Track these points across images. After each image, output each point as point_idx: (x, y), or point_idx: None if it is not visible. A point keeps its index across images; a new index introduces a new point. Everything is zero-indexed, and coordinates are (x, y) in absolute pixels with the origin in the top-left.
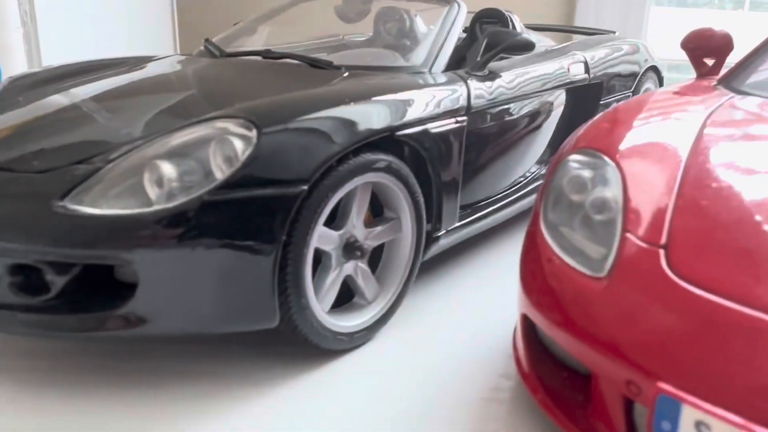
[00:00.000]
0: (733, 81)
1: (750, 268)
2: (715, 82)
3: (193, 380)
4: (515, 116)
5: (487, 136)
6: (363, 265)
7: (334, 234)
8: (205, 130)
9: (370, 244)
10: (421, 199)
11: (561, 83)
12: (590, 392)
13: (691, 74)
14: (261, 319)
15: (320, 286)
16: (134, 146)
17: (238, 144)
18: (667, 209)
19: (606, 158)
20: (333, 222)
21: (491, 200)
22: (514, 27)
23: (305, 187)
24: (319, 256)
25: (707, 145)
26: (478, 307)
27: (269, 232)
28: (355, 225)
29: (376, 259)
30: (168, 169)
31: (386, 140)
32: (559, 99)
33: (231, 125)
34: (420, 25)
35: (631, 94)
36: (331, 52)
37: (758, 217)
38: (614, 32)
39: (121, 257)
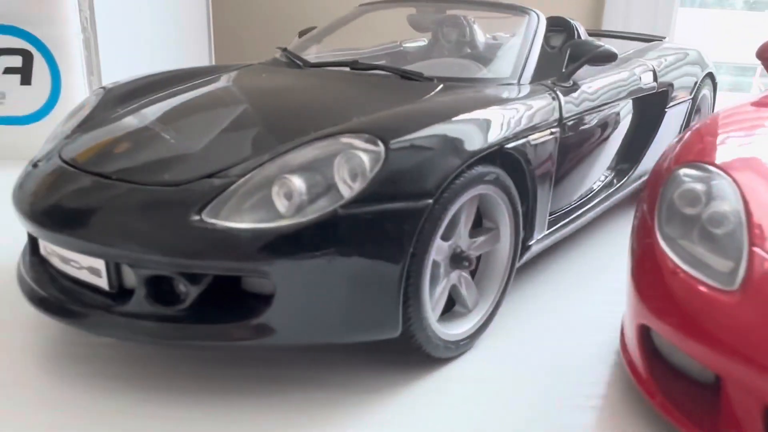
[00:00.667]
0: None
1: None
2: None
3: (306, 387)
4: (594, 125)
5: (572, 146)
6: (466, 274)
7: (445, 245)
8: (332, 145)
9: (473, 254)
10: (521, 210)
11: (633, 91)
12: (716, 400)
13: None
14: (385, 329)
15: (431, 296)
16: (263, 161)
17: (366, 159)
18: None
19: (720, 171)
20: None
21: (572, 207)
22: (579, 35)
23: (431, 201)
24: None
25: None
26: (569, 310)
27: (399, 244)
28: (462, 236)
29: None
30: (298, 183)
31: (495, 153)
32: (628, 107)
33: (356, 140)
34: (479, 34)
35: (691, 101)
36: (404, 61)
37: None
38: (664, 38)
39: (260, 269)
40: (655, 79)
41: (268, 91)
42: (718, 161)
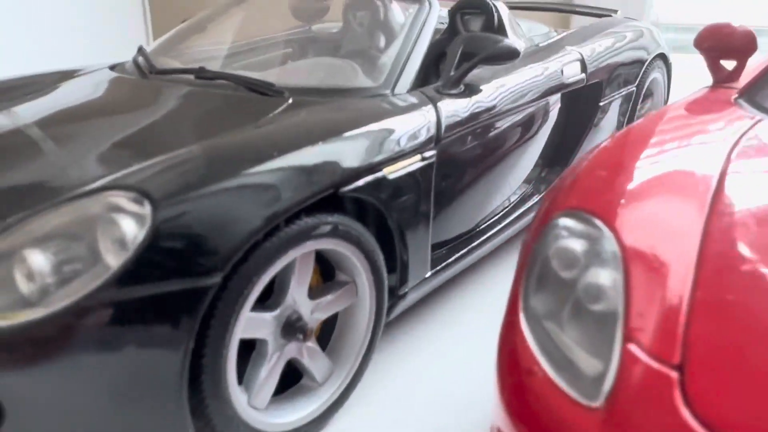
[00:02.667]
0: (757, 95)
1: None
2: (735, 95)
3: None
4: (498, 133)
5: (463, 163)
6: (311, 343)
7: (268, 316)
8: (90, 206)
9: (318, 317)
10: (381, 258)
11: (553, 89)
12: None
13: None
14: None
15: (253, 379)
16: (3, 227)
17: (129, 225)
18: (682, 305)
19: (601, 224)
20: (267, 299)
21: (473, 234)
22: (500, 18)
23: (218, 279)
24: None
25: (732, 199)
26: (449, 375)
27: (174, 336)
28: (296, 300)
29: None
30: (39, 260)
31: (328, 199)
32: (549, 105)
33: (120, 199)
34: (398, 15)
35: (635, 89)
36: (285, 66)
37: None
38: (615, 11)
39: None
40: (584, 69)
41: (72, 113)
42: (606, 208)
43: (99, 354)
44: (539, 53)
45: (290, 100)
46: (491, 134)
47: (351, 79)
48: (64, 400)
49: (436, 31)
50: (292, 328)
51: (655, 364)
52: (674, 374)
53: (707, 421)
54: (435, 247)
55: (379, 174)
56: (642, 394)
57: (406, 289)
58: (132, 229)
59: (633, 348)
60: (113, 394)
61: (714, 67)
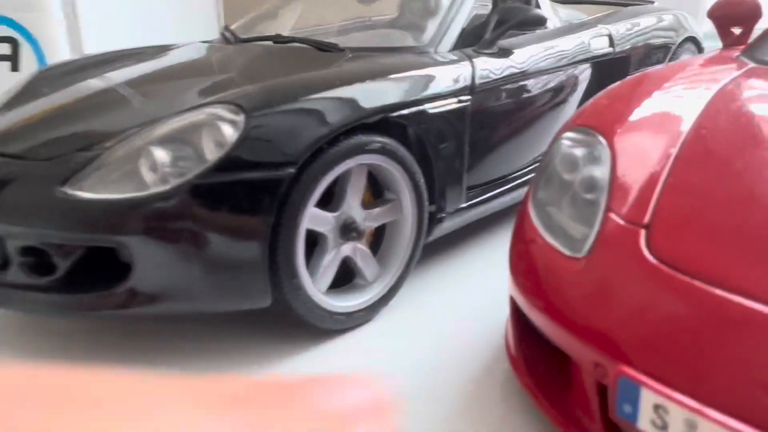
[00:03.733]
0: (756, 51)
1: (735, 249)
2: (738, 53)
3: (187, 357)
4: (531, 94)
5: (497, 116)
6: (362, 246)
7: (329, 216)
8: (196, 116)
9: (369, 225)
10: (421, 180)
11: (581, 58)
12: (572, 377)
13: None
14: (254, 298)
15: (317, 267)
16: (130, 133)
17: (227, 129)
18: (656, 187)
19: (599, 136)
20: (330, 203)
21: (504, 179)
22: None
23: (293, 170)
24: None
25: (711, 119)
26: (483, 287)
27: (257, 214)
28: (352, 206)
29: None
30: (160, 154)
31: (382, 122)
32: (584, 74)
33: (221, 110)
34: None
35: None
36: (347, 34)
37: (754, 196)
38: (652, 2)
39: (114, 240)
40: (612, 44)
41: (179, 69)
42: (605, 124)
43: (200, 224)
44: (569, 29)
45: (350, 55)
46: (522, 93)
47: (401, 40)
48: (174, 261)
49: (480, 16)
50: (347, 229)
51: (627, 225)
52: (642, 230)
53: (664, 259)
54: (471, 187)
55: (420, 107)
56: (615, 245)
57: (443, 214)
58: (229, 131)
59: (612, 215)
60: (211, 254)
61: (724, 33)
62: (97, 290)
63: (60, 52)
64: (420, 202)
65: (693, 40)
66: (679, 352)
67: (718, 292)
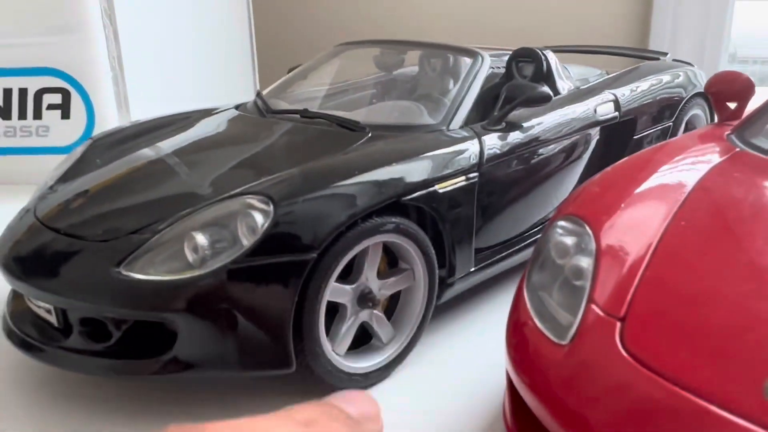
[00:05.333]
0: (746, 131)
1: (693, 348)
2: (728, 131)
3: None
4: (537, 161)
5: (504, 185)
6: (377, 312)
7: (348, 288)
8: (232, 205)
9: (385, 293)
10: (432, 252)
11: (586, 125)
12: None
13: None
14: (280, 364)
15: (336, 333)
16: (175, 219)
17: (259, 217)
18: (634, 280)
19: (586, 226)
20: (349, 275)
21: (511, 242)
22: (548, 65)
23: (315, 255)
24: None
25: (690, 210)
26: (491, 346)
27: (284, 293)
28: (369, 278)
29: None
30: (201, 239)
31: (392, 205)
32: (591, 139)
33: (254, 200)
34: (458, 66)
35: (672, 124)
36: (369, 106)
37: (717, 294)
38: (665, 54)
39: (161, 316)
40: (618, 108)
41: (214, 146)
42: (592, 215)
43: (234, 302)
44: (579, 96)
45: (370, 134)
46: (529, 162)
47: (417, 118)
48: (212, 334)
49: (495, 75)
50: (365, 298)
51: (605, 316)
52: (618, 323)
53: (633, 352)
54: (480, 250)
55: (431, 189)
56: (593, 335)
57: (454, 279)
58: (260, 219)
59: (593, 306)
60: (244, 327)
61: (719, 108)
62: (145, 357)
63: (107, 101)
64: (431, 270)
65: (702, 95)
66: None
67: (674, 388)
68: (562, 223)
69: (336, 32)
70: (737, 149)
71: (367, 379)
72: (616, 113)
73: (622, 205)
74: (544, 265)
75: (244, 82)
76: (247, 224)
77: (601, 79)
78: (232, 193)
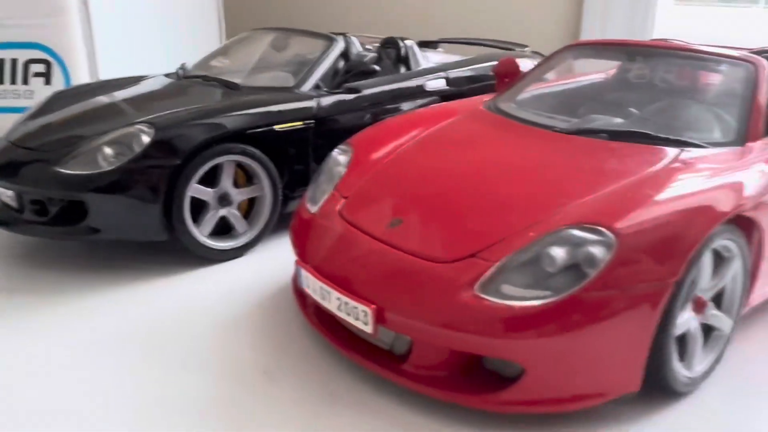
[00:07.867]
0: (499, 99)
1: (371, 210)
2: (489, 99)
3: (111, 270)
4: (367, 118)
5: (335, 133)
6: (234, 211)
7: (210, 190)
8: (130, 129)
9: (239, 198)
10: (274, 172)
11: (415, 94)
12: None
13: None
14: (156, 234)
15: (201, 220)
16: (94, 137)
17: (144, 137)
18: (367, 175)
19: (351, 146)
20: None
21: None
22: (406, 50)
23: (178, 161)
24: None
25: (428, 138)
26: None
27: (158, 185)
28: (226, 186)
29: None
30: (108, 150)
31: (238, 134)
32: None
33: (143, 126)
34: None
35: None
36: (255, 74)
37: (411, 180)
38: (526, 46)
39: (79, 196)
40: (449, 84)
41: (139, 93)
42: (358, 141)
43: (126, 188)
44: (420, 74)
45: (243, 91)
46: (363, 118)
47: (282, 81)
48: (110, 207)
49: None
50: (223, 199)
51: (339, 196)
52: (343, 200)
53: (343, 215)
54: None
55: (270, 127)
56: (328, 207)
57: (293, 195)
58: (145, 138)
59: (335, 191)
60: (131, 207)
61: (499, 83)
62: (67, 224)
63: (81, 70)
64: (275, 185)
65: None
66: (330, 258)
67: (350, 227)
68: (341, 146)
69: None
70: (481, 108)
71: (226, 255)
72: (448, 87)
73: (382, 136)
74: (322, 170)
75: (210, 47)
76: (136, 141)
77: (452, 62)
78: (132, 122)
